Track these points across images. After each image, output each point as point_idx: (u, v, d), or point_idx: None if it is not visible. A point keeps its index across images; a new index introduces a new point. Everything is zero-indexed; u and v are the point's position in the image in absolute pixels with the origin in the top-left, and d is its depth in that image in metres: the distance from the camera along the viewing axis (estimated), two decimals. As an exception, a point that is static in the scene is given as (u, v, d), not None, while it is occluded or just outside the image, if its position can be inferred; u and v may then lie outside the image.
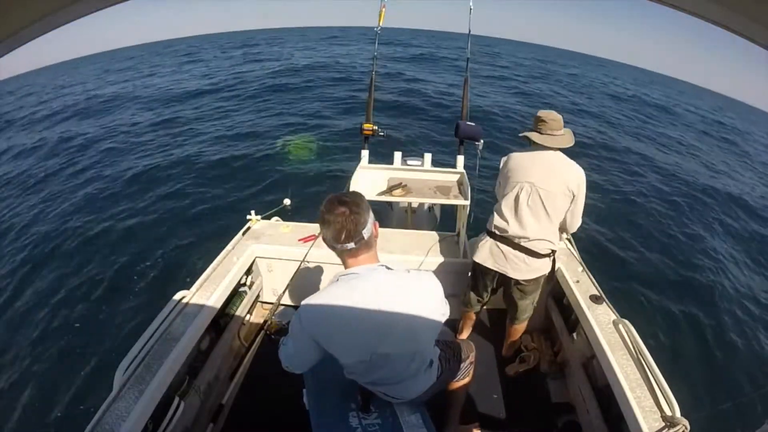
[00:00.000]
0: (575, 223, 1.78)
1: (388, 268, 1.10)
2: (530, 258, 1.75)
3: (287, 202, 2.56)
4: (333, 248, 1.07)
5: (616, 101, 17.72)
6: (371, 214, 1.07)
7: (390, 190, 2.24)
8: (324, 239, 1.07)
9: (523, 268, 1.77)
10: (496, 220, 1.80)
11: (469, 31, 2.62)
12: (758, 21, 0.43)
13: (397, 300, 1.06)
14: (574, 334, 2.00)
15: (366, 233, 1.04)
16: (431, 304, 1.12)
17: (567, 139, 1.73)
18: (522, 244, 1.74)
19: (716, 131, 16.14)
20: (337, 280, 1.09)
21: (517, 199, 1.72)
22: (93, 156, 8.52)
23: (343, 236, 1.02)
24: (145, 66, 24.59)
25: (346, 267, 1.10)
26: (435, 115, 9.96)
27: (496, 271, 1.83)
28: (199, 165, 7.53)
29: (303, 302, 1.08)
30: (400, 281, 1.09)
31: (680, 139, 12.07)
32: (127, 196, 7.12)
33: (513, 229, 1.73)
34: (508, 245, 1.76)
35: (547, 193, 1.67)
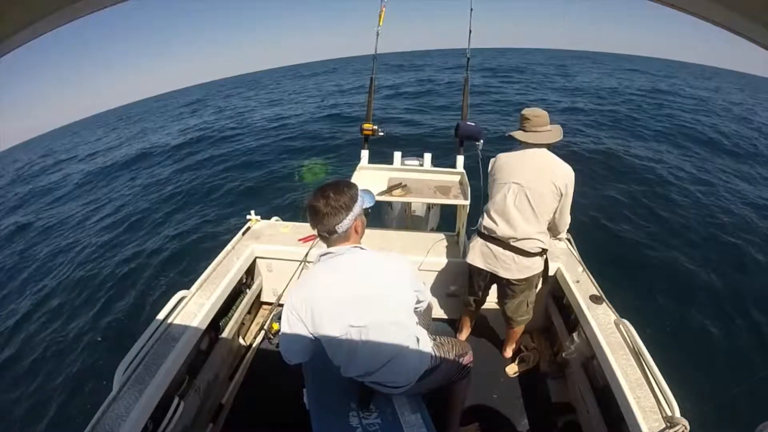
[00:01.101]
0: (564, 222, 1.78)
1: (363, 248, 1.18)
2: (519, 257, 1.75)
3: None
4: None
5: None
6: (354, 211, 1.13)
7: (390, 190, 2.23)
8: None
9: (513, 268, 1.77)
10: (485, 220, 1.81)
11: (470, 31, 2.63)
12: (759, 21, 0.42)
13: (370, 275, 1.15)
14: (574, 334, 2.00)
15: (341, 228, 1.12)
16: (403, 279, 1.21)
17: (552, 135, 1.72)
18: (511, 243, 1.74)
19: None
20: (318, 260, 1.20)
21: (504, 199, 1.73)
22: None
23: (316, 227, 1.14)
24: (174, 114, 24.72)
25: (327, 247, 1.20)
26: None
27: (487, 271, 1.84)
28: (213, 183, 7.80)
29: (293, 288, 1.18)
30: (371, 258, 1.18)
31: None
32: (134, 200, 7.19)
33: (501, 229, 1.74)
34: (497, 245, 1.77)
35: (534, 193, 1.67)
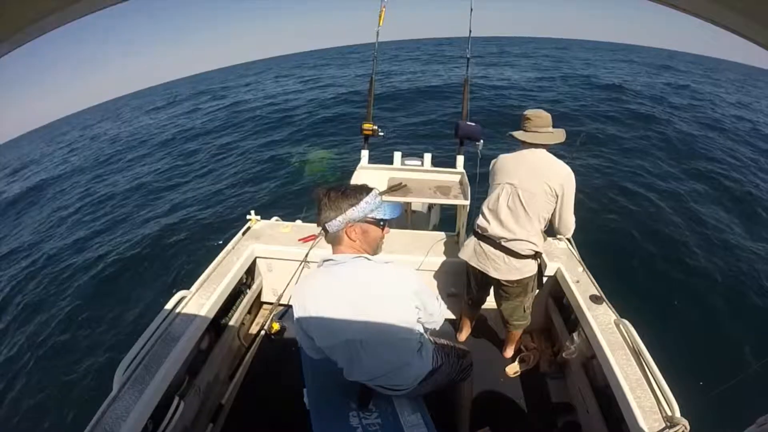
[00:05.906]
0: (566, 225, 1.73)
1: (368, 258, 1.12)
2: (509, 258, 1.74)
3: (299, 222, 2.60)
4: None
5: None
6: (348, 215, 1.06)
7: (390, 190, 2.23)
8: None
9: (503, 268, 1.76)
10: (480, 219, 1.83)
11: (470, 32, 2.63)
12: (758, 20, 0.43)
13: (369, 287, 1.10)
14: (574, 334, 2.00)
15: (331, 227, 1.08)
16: (404, 294, 1.13)
17: (553, 137, 1.71)
18: (502, 243, 1.74)
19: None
20: (321, 264, 1.16)
21: (497, 199, 1.73)
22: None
23: (317, 218, 1.11)
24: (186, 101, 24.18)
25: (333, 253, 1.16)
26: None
27: (480, 270, 1.84)
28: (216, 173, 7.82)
29: (293, 289, 1.16)
30: (374, 270, 1.11)
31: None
32: (136, 197, 7.18)
33: (493, 228, 1.75)
34: (489, 244, 1.78)
35: (528, 194, 1.65)
